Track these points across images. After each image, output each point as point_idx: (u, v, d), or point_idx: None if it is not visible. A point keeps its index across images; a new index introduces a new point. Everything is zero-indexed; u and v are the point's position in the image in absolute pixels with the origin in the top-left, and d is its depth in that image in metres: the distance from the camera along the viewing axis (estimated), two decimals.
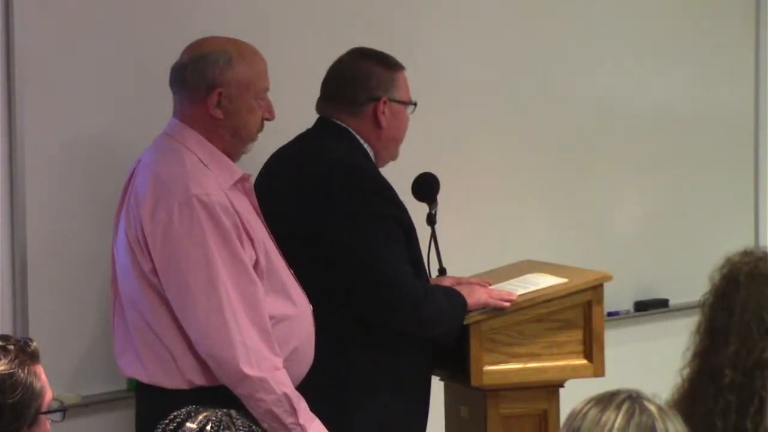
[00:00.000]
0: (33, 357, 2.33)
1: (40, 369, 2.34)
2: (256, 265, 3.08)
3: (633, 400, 2.01)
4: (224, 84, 3.11)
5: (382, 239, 3.31)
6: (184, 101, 3.14)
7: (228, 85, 3.11)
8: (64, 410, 2.40)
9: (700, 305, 2.94)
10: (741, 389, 2.78)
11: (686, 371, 2.93)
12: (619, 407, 1.99)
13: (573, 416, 2.02)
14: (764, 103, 5.36)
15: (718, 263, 2.93)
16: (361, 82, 3.46)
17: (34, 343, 2.36)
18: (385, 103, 3.45)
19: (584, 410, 2.01)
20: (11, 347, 2.31)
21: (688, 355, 2.92)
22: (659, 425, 1.98)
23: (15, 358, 2.29)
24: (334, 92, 3.49)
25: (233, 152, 3.18)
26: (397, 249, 3.33)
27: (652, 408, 2.00)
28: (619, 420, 1.98)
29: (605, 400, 2.01)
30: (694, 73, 5.16)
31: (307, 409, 3.05)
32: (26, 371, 2.29)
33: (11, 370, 2.28)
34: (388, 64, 3.49)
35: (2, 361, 2.28)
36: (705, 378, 2.85)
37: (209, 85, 3.10)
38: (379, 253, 3.30)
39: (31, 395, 2.29)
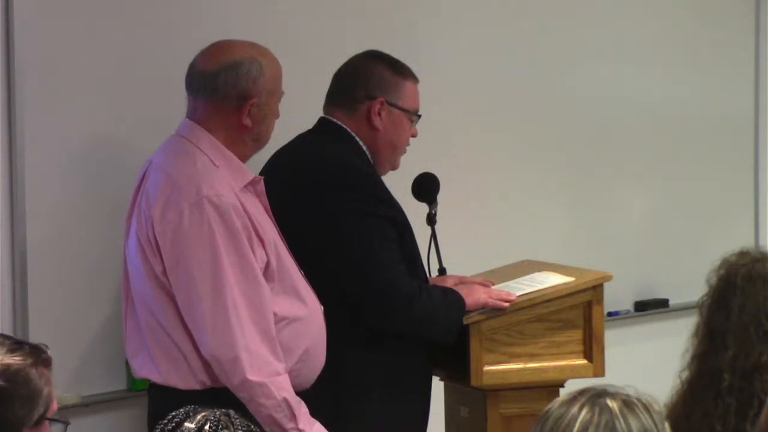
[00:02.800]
0: (45, 363, 2.32)
1: (50, 377, 2.33)
2: (267, 266, 3.09)
3: (594, 399, 1.99)
4: (257, 94, 3.12)
5: (376, 239, 3.31)
6: (208, 107, 3.13)
7: (259, 95, 3.12)
8: (66, 423, 2.38)
9: (698, 307, 2.94)
10: (740, 393, 2.78)
11: (685, 374, 2.92)
12: (581, 408, 1.97)
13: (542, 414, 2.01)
14: (764, 103, 5.36)
15: (715, 264, 2.94)
16: (362, 80, 3.46)
17: (49, 351, 2.34)
18: (382, 104, 3.44)
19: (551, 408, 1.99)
20: (26, 346, 2.31)
21: (687, 357, 2.92)
22: (619, 424, 1.96)
23: (28, 357, 2.29)
24: (337, 89, 3.50)
25: (249, 155, 3.20)
26: (391, 248, 3.33)
27: (614, 405, 1.98)
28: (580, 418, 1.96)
29: (569, 400, 2.00)
30: (695, 73, 5.16)
31: (308, 414, 3.05)
32: (38, 373, 2.29)
33: (23, 367, 2.27)
34: (396, 69, 3.49)
35: (17, 354, 2.28)
36: (704, 381, 2.84)
37: (242, 95, 3.11)
38: (374, 253, 3.30)
39: (38, 396, 2.28)
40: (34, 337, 3.22)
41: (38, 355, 2.31)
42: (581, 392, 1.99)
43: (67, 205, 3.46)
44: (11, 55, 3.34)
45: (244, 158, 3.17)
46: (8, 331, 3.29)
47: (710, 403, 2.80)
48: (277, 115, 3.21)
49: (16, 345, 2.30)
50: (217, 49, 3.17)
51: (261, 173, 3.46)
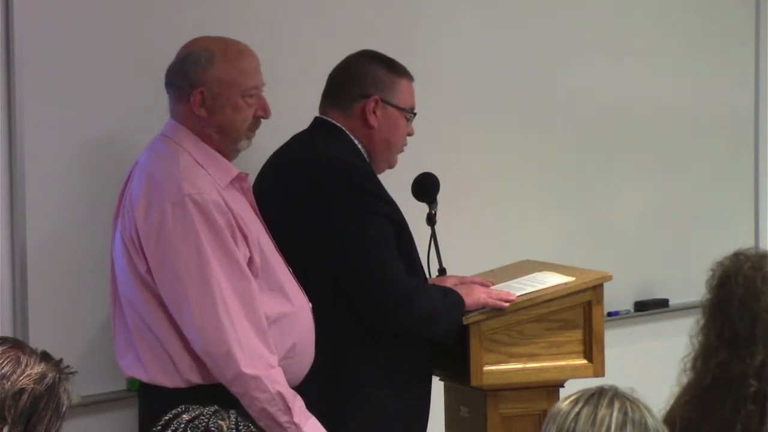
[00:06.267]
0: (68, 378, 2.32)
1: (71, 393, 2.31)
2: (251, 262, 3.08)
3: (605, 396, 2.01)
4: (205, 83, 3.10)
5: (374, 237, 3.30)
6: (171, 102, 3.16)
7: (209, 84, 3.10)
8: None
9: (700, 306, 2.93)
10: (765, 399, 2.76)
11: (689, 377, 2.90)
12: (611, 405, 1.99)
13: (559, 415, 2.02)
14: (764, 103, 5.37)
15: (718, 264, 2.93)
16: (357, 79, 3.46)
17: (69, 372, 2.33)
18: (376, 102, 3.44)
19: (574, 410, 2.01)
20: (52, 358, 2.30)
21: (690, 361, 2.90)
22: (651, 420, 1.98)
23: (60, 374, 2.28)
24: (331, 89, 3.50)
25: (224, 150, 3.17)
26: (389, 247, 3.33)
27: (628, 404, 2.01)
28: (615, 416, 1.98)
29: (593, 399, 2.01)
30: (695, 73, 5.16)
31: (303, 407, 3.05)
32: (65, 390, 2.28)
33: (55, 385, 2.26)
34: (391, 67, 3.48)
35: (51, 367, 2.27)
36: (722, 389, 2.82)
37: (191, 84, 3.11)
38: (373, 251, 3.29)
39: (61, 411, 2.27)
40: (34, 337, 3.23)
41: (66, 375, 2.30)
42: (594, 392, 2.01)
43: (67, 205, 3.46)
44: (11, 55, 3.34)
45: (222, 154, 3.15)
46: (8, 332, 3.30)
47: (728, 412, 2.78)
48: (239, 109, 3.12)
49: (45, 356, 2.29)
50: (184, 45, 3.19)
51: (259, 175, 3.47)
